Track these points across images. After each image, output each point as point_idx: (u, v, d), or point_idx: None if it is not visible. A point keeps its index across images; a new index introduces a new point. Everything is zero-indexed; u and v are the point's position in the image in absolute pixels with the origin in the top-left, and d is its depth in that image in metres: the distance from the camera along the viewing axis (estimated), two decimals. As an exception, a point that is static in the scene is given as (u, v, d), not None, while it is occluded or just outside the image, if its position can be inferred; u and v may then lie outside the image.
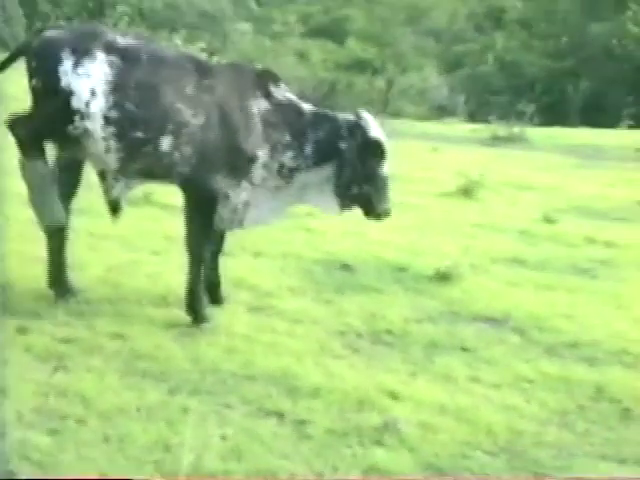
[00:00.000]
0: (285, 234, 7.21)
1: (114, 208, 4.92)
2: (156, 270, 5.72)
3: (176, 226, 6.88)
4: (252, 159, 4.84)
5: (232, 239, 6.83)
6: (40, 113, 4.66)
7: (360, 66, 32.13)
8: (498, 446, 3.78)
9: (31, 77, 4.68)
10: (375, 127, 4.93)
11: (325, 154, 4.96)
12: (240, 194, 4.90)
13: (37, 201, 4.74)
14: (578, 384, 4.46)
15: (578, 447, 3.80)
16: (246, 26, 29.36)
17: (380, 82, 28.71)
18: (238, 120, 4.79)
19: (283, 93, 4.99)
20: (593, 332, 5.22)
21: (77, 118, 4.61)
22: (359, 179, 4.97)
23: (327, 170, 5.00)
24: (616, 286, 6.27)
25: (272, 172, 4.91)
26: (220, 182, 4.80)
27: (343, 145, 4.92)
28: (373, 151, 4.93)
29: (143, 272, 5.68)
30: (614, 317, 5.54)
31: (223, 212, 4.93)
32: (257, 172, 4.87)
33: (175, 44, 14.48)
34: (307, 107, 5.04)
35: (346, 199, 5.05)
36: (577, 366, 4.72)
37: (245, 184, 4.89)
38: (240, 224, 5.08)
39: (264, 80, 4.97)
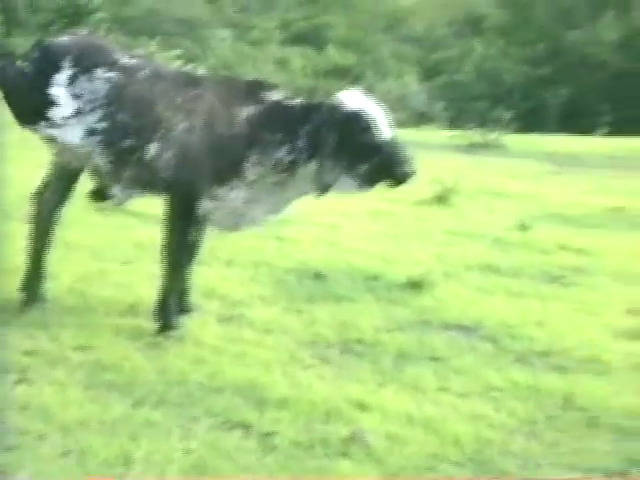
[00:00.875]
0: (257, 242, 7.18)
1: (97, 196, 5.03)
2: (125, 280, 5.67)
3: (148, 234, 6.85)
4: (240, 160, 4.84)
5: (203, 248, 6.81)
6: (17, 100, 4.82)
7: (339, 73, 32.21)
8: (465, 456, 3.75)
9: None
10: (354, 101, 4.83)
11: (318, 142, 4.89)
12: (235, 194, 4.89)
13: None
14: (548, 393, 4.44)
15: (545, 457, 3.77)
16: (225, 33, 29.35)
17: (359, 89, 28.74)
18: (223, 125, 4.85)
19: (274, 96, 5.00)
20: (564, 340, 5.21)
21: (46, 124, 4.76)
22: (358, 155, 4.84)
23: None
24: (588, 293, 6.28)
25: (268, 169, 4.90)
26: (204, 186, 4.83)
27: (324, 128, 4.83)
28: (355, 124, 4.78)
29: (112, 282, 5.62)
30: (585, 325, 5.53)
31: (219, 215, 4.93)
32: (250, 171, 4.86)
33: (150, 51, 14.42)
34: (296, 102, 5.01)
35: (360, 178, 4.89)
36: (547, 375, 4.70)
37: (237, 183, 4.87)
38: (250, 222, 5.08)
39: (254, 88, 5.02)
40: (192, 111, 4.86)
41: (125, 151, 4.79)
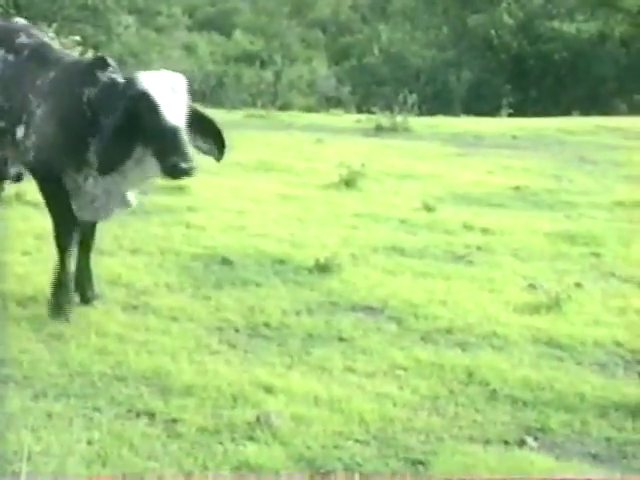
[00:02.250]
0: (163, 229, 7.11)
1: None
2: (25, 270, 5.54)
3: (48, 225, 6.70)
4: (85, 147, 4.65)
5: (108, 236, 6.70)
6: None
7: (248, 58, 32.02)
8: (370, 434, 3.81)
9: None
10: (151, 81, 4.47)
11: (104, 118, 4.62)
12: (92, 182, 4.72)
13: None
14: (450, 369, 4.54)
15: (447, 431, 3.86)
16: (130, 19, 28.78)
17: (268, 74, 28.69)
18: (68, 110, 4.70)
19: (108, 75, 4.73)
20: (466, 317, 5.33)
21: None
22: (145, 136, 4.46)
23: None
24: (491, 271, 6.41)
25: None
26: (61, 171, 4.73)
27: (111, 105, 4.56)
28: (142, 104, 4.41)
29: (11, 273, 5.48)
30: (487, 301, 5.66)
31: (79, 202, 4.80)
32: (93, 158, 4.63)
33: (49, 37, 14.01)
34: (121, 80, 4.71)
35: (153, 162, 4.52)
36: (450, 351, 4.80)
37: (90, 171, 4.68)
38: (109, 213, 4.91)
39: (93, 67, 4.78)
40: (47, 94, 4.77)
41: (1, 132, 4.86)
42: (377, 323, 5.22)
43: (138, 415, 3.81)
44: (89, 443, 3.47)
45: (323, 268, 6.14)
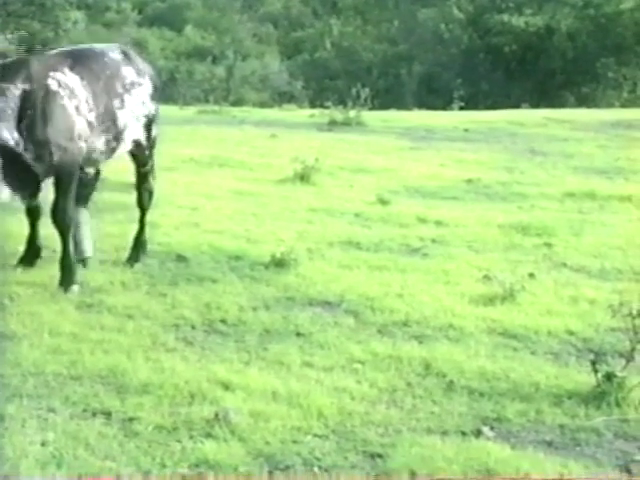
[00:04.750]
0: (117, 228, 7.03)
1: None
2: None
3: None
4: None
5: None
6: None
7: (200, 54, 31.77)
8: (329, 429, 3.81)
9: None
10: None
11: None
12: None
13: None
14: (407, 362, 4.56)
15: (404, 423, 3.89)
16: (78, 14, 28.37)
17: (221, 70, 28.51)
18: None
19: None
20: (423, 309, 5.36)
21: None
22: None
23: None
24: (446, 263, 6.46)
25: None
26: None
27: None
28: None
29: None
30: (443, 293, 5.70)
31: None
32: None
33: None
34: None
35: None
36: (407, 344, 4.83)
37: None
38: None
39: None
40: None
41: None
42: (334, 317, 5.23)
43: (94, 414, 3.77)
44: (43, 444, 3.42)
45: (279, 263, 6.14)
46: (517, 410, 4.05)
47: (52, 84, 5.20)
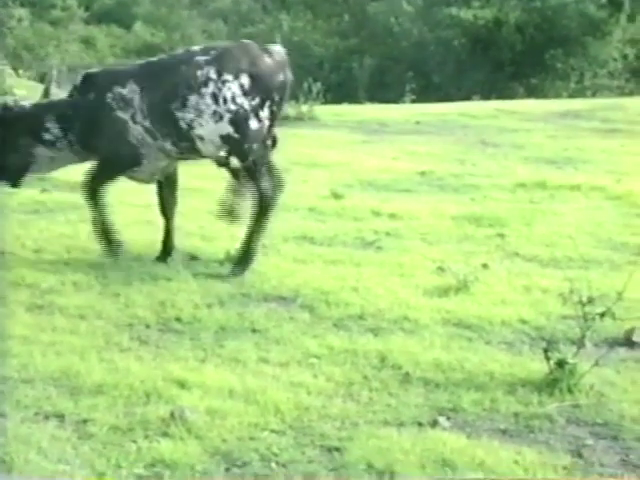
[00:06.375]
0: (69, 228, 6.95)
1: None
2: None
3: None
4: None
5: (10, 236, 6.51)
6: None
7: (149, 51, 31.44)
8: (286, 424, 3.81)
9: None
10: None
11: None
12: None
13: None
14: (363, 355, 4.58)
15: (361, 416, 3.89)
16: (22, 12, 27.92)
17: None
18: None
19: None
20: (378, 302, 5.38)
21: None
22: None
23: None
24: (400, 256, 6.48)
25: None
26: None
27: None
28: None
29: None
30: (397, 286, 5.73)
31: None
32: None
33: None
34: None
35: None
36: (363, 337, 4.84)
37: None
38: None
39: None
40: None
41: None
42: (289, 312, 5.23)
43: (47, 417, 3.72)
44: (-7, 450, 3.36)
45: (233, 259, 6.11)
46: (472, 400, 4.08)
47: (108, 97, 5.94)
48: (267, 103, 5.99)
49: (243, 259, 6.00)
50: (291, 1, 29.08)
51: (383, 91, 22.12)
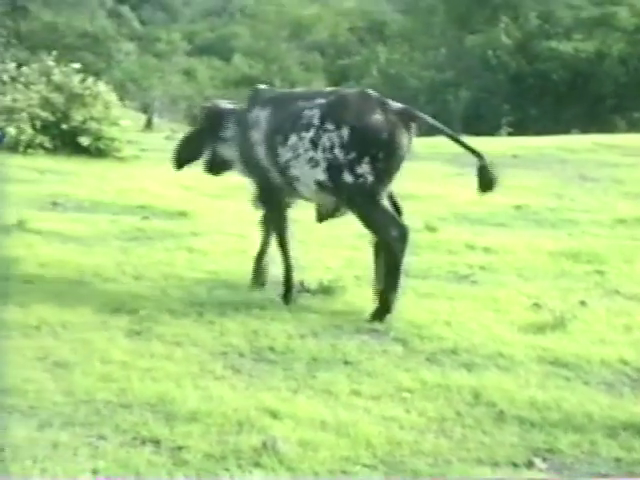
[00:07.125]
0: (166, 255, 7.10)
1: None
2: (27, 300, 5.54)
3: (51, 252, 6.71)
4: None
5: (111, 263, 6.69)
6: None
7: (247, 82, 32.16)
8: (377, 458, 3.77)
9: None
10: None
11: None
12: None
13: None
14: (457, 390, 4.51)
15: (454, 453, 3.83)
16: (130, 46, 29.00)
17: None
18: None
19: None
20: (471, 337, 5.30)
21: None
22: None
23: None
24: (494, 291, 6.40)
25: None
26: None
27: None
28: None
29: (14, 301, 5.48)
30: (492, 321, 5.64)
31: None
32: None
33: (49, 65, 14.13)
34: None
35: None
36: (456, 372, 4.77)
37: None
38: None
39: None
40: None
41: None
42: (382, 345, 5.20)
43: (143, 442, 3.78)
44: (94, 472, 3.44)
45: (326, 291, 6.14)
46: (570, 441, 3.96)
47: (250, 117, 6.20)
48: (365, 159, 5.67)
49: (380, 309, 5.73)
50: (388, 33, 29.27)
51: (478, 123, 21.99)
